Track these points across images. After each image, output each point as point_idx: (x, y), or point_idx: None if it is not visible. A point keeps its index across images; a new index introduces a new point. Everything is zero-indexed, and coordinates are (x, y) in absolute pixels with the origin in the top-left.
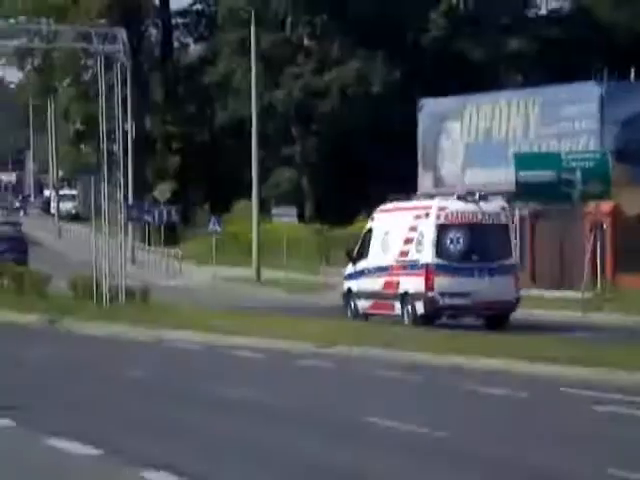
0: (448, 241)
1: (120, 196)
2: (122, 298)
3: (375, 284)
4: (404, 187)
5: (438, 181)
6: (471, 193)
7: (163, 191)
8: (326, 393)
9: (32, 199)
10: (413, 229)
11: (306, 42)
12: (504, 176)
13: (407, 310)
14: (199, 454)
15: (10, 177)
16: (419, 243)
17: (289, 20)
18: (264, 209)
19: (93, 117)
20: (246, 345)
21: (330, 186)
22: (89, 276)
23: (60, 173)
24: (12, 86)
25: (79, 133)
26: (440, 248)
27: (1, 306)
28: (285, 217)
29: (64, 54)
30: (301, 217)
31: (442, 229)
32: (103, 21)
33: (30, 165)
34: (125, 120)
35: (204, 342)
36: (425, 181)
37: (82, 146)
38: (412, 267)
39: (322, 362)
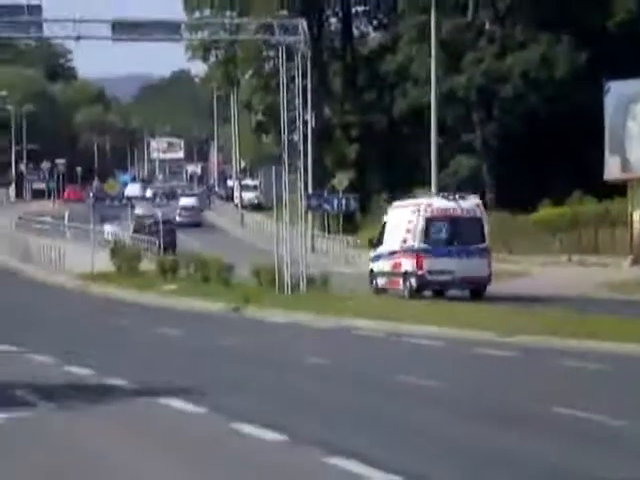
0: (434, 230)
1: (300, 185)
2: (303, 286)
3: (387, 265)
4: (588, 173)
5: (625, 166)
6: (452, 193)
7: (342, 180)
8: (512, 384)
9: (216, 189)
10: (410, 222)
11: (488, 26)
12: None
13: (406, 285)
14: (386, 442)
15: (196, 168)
16: (413, 232)
17: (471, 4)
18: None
19: (274, 107)
20: (424, 333)
21: (511, 173)
22: (271, 264)
23: (242, 163)
24: (197, 79)
25: (260, 123)
26: (428, 236)
27: (188, 294)
28: None
29: (247, 46)
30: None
31: (429, 221)
32: (284, 12)
33: (214, 156)
34: (305, 110)
35: (383, 329)
36: (612, 166)
37: (263, 136)
38: (409, 251)
39: (504, 351)
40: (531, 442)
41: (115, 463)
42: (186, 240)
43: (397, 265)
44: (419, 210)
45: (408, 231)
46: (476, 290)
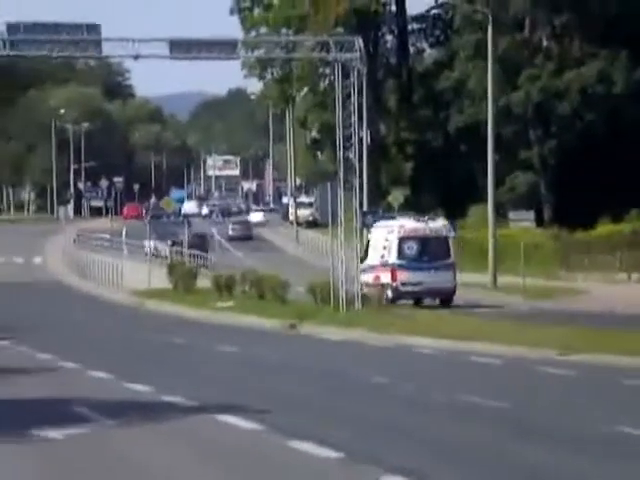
0: (406, 248)
1: (355, 202)
2: (358, 303)
3: (370, 278)
4: None
5: None
6: (423, 216)
7: (397, 197)
8: (576, 403)
9: (272, 206)
10: (387, 240)
11: (545, 43)
12: None
13: (384, 295)
14: (446, 461)
15: (251, 185)
16: (389, 249)
17: (528, 21)
18: (500, 213)
19: (329, 125)
20: (482, 351)
21: (569, 189)
22: (327, 282)
23: (297, 180)
24: (252, 97)
25: (316, 141)
26: (401, 253)
27: (244, 311)
28: (522, 222)
29: (302, 63)
30: (539, 221)
31: (402, 240)
32: (340, 29)
33: (269, 173)
34: (360, 127)
35: (442, 347)
36: None
37: (318, 153)
38: (385, 266)
39: (564, 370)
40: (604, 465)
41: (166, 477)
42: (241, 258)
43: (377, 278)
44: (393, 230)
45: (384, 248)
46: (445, 299)
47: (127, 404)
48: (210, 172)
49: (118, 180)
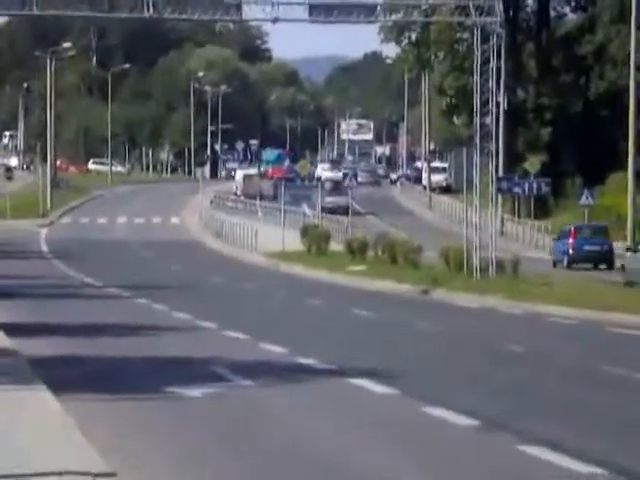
0: None
1: (491, 168)
2: (492, 270)
3: None
4: None
5: None
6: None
7: (534, 163)
8: None
9: (404, 170)
10: None
11: None
12: None
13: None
14: (591, 434)
15: (384, 149)
16: None
17: None
18: None
19: (466, 90)
20: (622, 322)
21: None
22: (460, 247)
23: (432, 145)
24: (388, 61)
25: (452, 106)
26: None
27: (376, 275)
28: None
29: (440, 27)
30: None
31: None
32: None
33: (403, 137)
34: (498, 92)
35: (578, 317)
36: None
37: (454, 118)
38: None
39: None
40: None
41: (308, 441)
42: (375, 223)
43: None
44: None
45: None
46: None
47: (263, 365)
48: (344, 136)
49: (254, 143)
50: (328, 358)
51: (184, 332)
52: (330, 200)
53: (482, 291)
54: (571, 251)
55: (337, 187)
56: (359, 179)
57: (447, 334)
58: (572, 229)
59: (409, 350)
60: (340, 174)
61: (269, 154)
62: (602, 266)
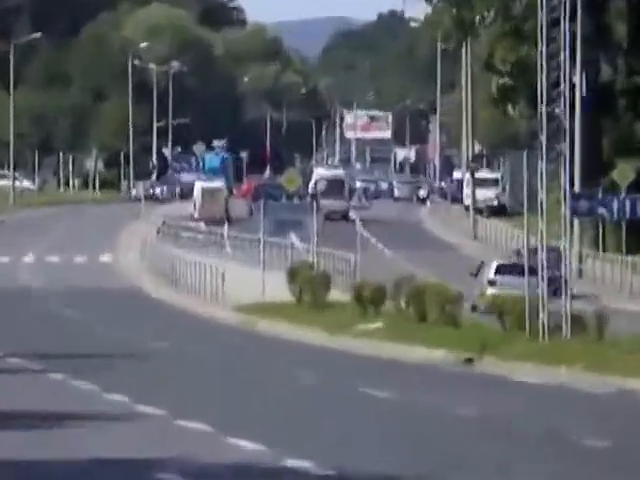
0: None
1: (564, 180)
2: (567, 329)
3: None
4: None
5: None
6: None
7: (625, 172)
8: None
9: (437, 183)
10: None
11: None
12: None
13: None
14: None
15: (408, 153)
16: None
17: None
18: None
19: (525, 65)
20: None
21: None
22: (519, 296)
23: (476, 147)
24: (414, 24)
25: (505, 89)
26: None
27: (398, 337)
28: None
29: None
30: None
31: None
32: None
33: (435, 136)
34: (573, 69)
35: None
36: None
37: (509, 108)
38: None
39: None
40: None
41: None
42: (395, 259)
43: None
44: None
45: None
46: None
47: (233, 469)
48: (349, 133)
49: (219, 144)
50: (327, 460)
51: (119, 422)
52: (324, 204)
53: (552, 360)
54: None
55: (333, 187)
56: (396, 193)
57: (502, 424)
58: None
59: (455, 447)
60: (338, 172)
61: (211, 159)
62: None
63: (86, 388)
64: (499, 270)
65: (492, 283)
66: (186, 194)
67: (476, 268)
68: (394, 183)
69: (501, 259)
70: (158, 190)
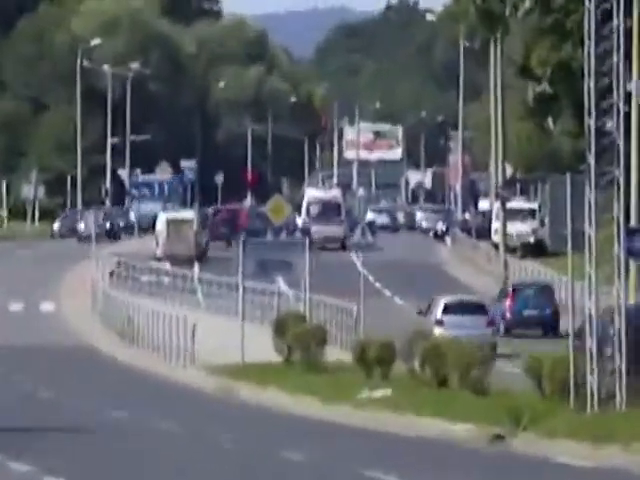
0: None
1: (617, 211)
2: (622, 399)
3: None
4: None
5: None
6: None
7: None
8: None
9: (458, 214)
10: None
11: None
12: None
13: None
14: None
15: (423, 177)
16: None
17: None
18: None
19: (569, 69)
20: None
21: None
22: (562, 358)
23: (508, 170)
24: (430, 18)
25: (543, 99)
26: None
27: (413, 408)
28: None
29: None
30: None
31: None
32: None
33: (457, 156)
34: (628, 73)
35: None
36: None
37: (548, 122)
38: None
39: None
40: None
41: None
42: (407, 310)
43: None
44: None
45: None
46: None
47: None
48: (350, 153)
49: (188, 165)
50: None
51: None
52: (316, 230)
53: (602, 438)
54: None
55: (328, 211)
56: (424, 225)
57: None
58: None
59: None
60: (334, 192)
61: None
62: None
63: (21, 470)
64: (447, 309)
65: (439, 323)
66: (146, 227)
67: (426, 306)
68: (417, 213)
69: (449, 296)
70: (108, 224)
